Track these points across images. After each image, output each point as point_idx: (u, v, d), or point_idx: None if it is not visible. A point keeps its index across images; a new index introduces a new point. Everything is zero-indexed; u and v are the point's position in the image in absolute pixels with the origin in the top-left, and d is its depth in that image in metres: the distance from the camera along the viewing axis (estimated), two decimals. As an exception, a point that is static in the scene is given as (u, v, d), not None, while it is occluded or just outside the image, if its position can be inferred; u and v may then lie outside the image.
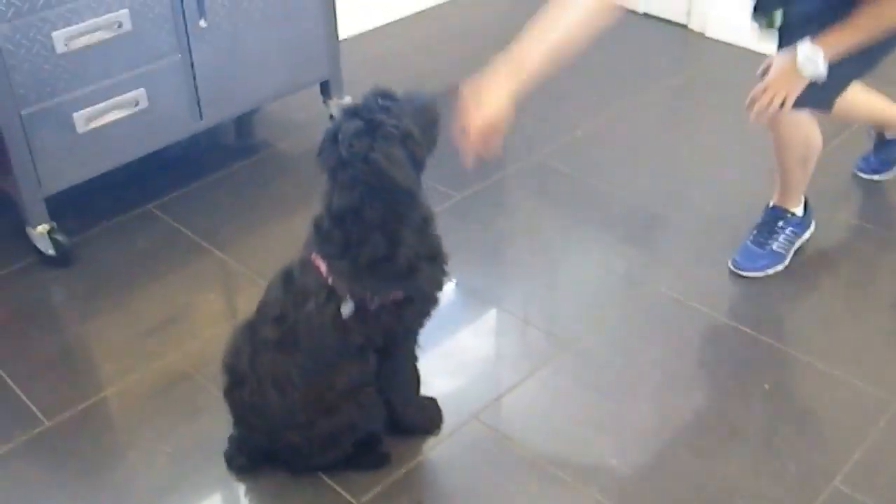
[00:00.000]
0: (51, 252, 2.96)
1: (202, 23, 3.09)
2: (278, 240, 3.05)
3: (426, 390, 2.39)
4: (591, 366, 2.60)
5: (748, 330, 2.67)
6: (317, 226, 2.06)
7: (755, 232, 2.90)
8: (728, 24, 4.13)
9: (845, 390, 2.48)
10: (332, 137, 1.96)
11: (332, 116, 3.67)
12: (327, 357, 2.09)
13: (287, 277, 2.12)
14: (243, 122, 3.80)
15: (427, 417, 2.38)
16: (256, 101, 3.55)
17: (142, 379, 2.58)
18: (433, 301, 2.18)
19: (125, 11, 2.88)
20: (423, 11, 4.76)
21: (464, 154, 2.06)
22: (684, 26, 4.40)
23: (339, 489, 2.23)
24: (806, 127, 2.66)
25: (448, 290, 2.75)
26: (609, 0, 2.13)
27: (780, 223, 2.87)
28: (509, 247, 3.11)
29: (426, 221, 2.09)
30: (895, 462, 2.27)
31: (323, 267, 2.04)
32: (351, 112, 1.97)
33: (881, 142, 3.21)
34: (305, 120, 3.80)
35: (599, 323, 2.75)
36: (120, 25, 2.89)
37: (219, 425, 2.27)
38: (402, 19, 4.70)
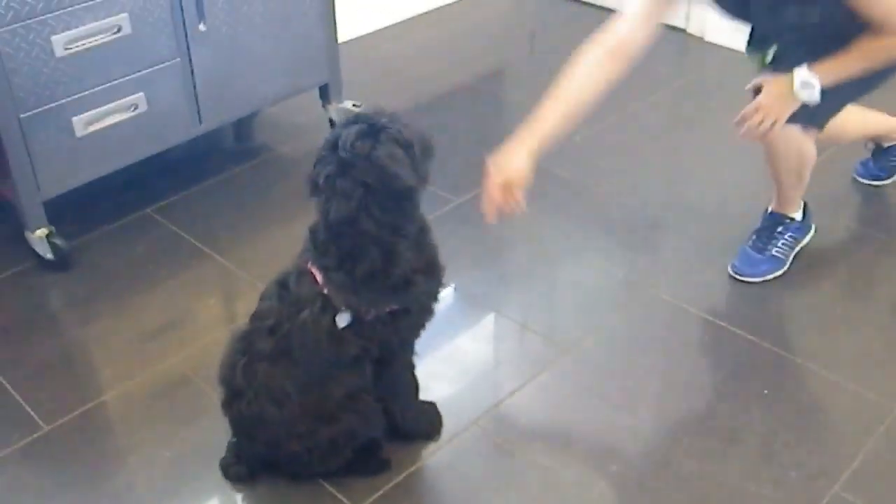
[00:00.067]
0: (49, 256, 2.96)
1: (202, 26, 3.09)
2: (278, 244, 3.05)
3: (426, 395, 2.39)
4: (591, 371, 2.60)
5: (748, 335, 2.67)
6: (313, 236, 2.05)
7: (754, 237, 2.90)
8: (726, 28, 4.13)
9: (845, 396, 2.48)
10: (332, 145, 1.95)
11: (331, 120, 3.67)
12: (322, 367, 2.08)
13: (282, 286, 2.11)
14: (243, 126, 3.80)
15: (427, 423, 2.38)
16: (256, 104, 3.55)
17: (141, 383, 2.58)
18: (429, 313, 2.18)
19: (125, 15, 2.88)
20: (423, 14, 4.76)
21: (488, 210, 2.26)
22: (683, 30, 4.41)
23: (338, 495, 2.22)
24: (798, 140, 2.65)
25: (447, 295, 2.76)
26: (615, 50, 2.42)
27: (780, 228, 2.87)
28: (509, 251, 3.11)
29: (422, 232, 2.08)
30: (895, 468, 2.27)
31: (319, 276, 2.04)
32: (351, 119, 1.97)
33: (879, 150, 3.22)
34: (305, 123, 3.80)
35: (599, 328, 2.74)
36: (119, 29, 2.88)
37: (219, 430, 2.26)
38: (401, 22, 4.69)
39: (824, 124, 2.65)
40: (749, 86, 2.57)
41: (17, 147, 2.79)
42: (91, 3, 2.80)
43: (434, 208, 2.05)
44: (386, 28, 4.64)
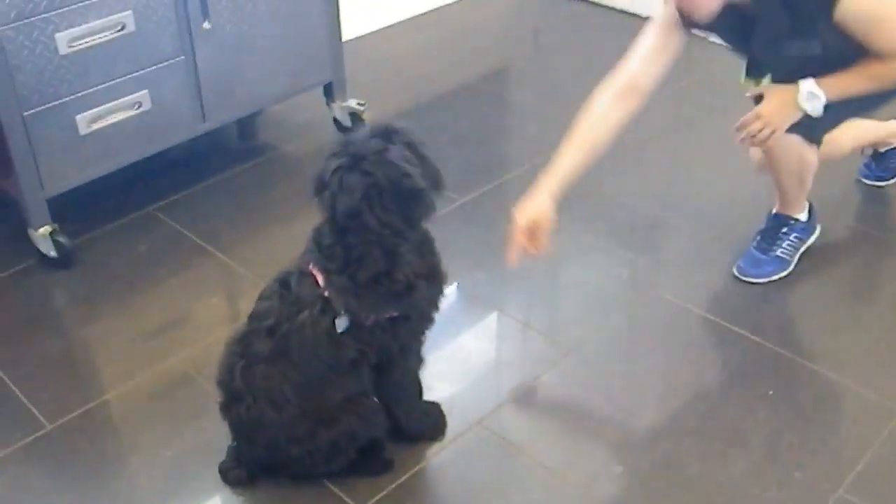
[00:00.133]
0: (52, 254, 2.95)
1: (206, 24, 3.09)
2: (281, 243, 3.04)
3: (429, 395, 2.39)
4: (594, 372, 2.59)
5: (752, 336, 2.66)
6: (317, 237, 2.05)
7: (759, 238, 2.89)
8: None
9: (850, 397, 2.48)
10: (344, 143, 1.96)
11: (335, 119, 3.67)
12: (319, 370, 2.07)
13: (283, 286, 2.10)
14: (246, 125, 3.80)
15: (431, 424, 2.37)
16: (260, 102, 3.55)
17: (143, 382, 2.57)
18: (429, 321, 2.18)
19: (129, 13, 2.88)
20: (426, 13, 4.76)
21: (511, 255, 2.43)
22: (687, 30, 4.40)
23: (342, 495, 2.22)
24: (798, 148, 2.64)
25: (450, 294, 2.75)
26: (626, 90, 2.55)
27: (784, 229, 2.87)
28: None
29: (426, 240, 2.09)
30: (900, 470, 2.27)
31: (320, 278, 2.03)
32: (365, 125, 1.99)
33: (878, 154, 3.21)
34: (309, 122, 3.80)
35: (602, 328, 2.74)
36: (123, 27, 2.88)
37: (221, 429, 2.25)
38: (405, 21, 4.69)
39: (821, 139, 2.65)
40: (750, 93, 2.56)
41: (20, 144, 2.79)
42: (95, 0, 2.79)
43: (437, 207, 2.05)
44: (389, 27, 4.64)
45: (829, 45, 2.39)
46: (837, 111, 2.50)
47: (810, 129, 2.56)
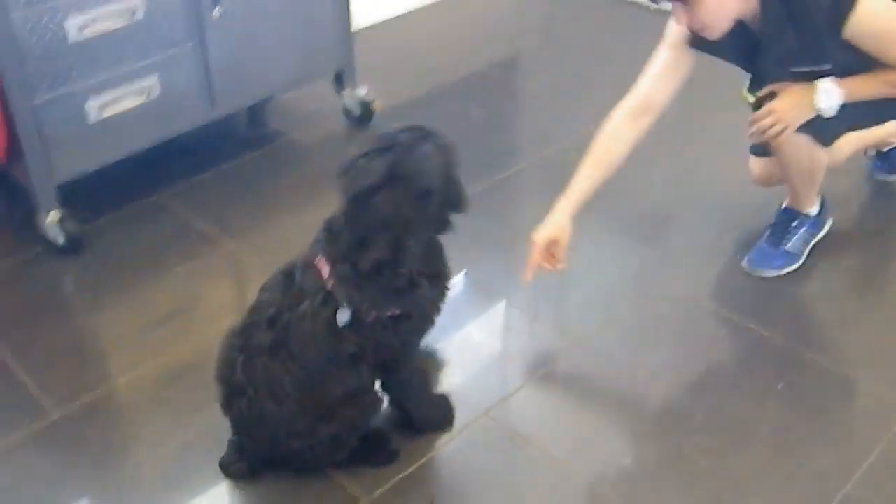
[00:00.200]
0: (61, 241, 2.95)
1: (216, 11, 3.07)
2: (289, 231, 3.04)
3: (437, 386, 2.38)
4: (602, 364, 2.58)
5: (761, 330, 2.65)
6: (328, 226, 2.06)
7: (769, 232, 2.88)
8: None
9: (859, 392, 2.47)
10: (379, 134, 2.03)
11: (345, 108, 3.66)
12: (319, 363, 2.06)
13: (287, 277, 2.10)
14: (256, 112, 3.79)
15: (439, 415, 2.37)
16: (270, 90, 3.54)
17: (151, 370, 2.57)
18: (430, 322, 2.19)
19: (139, 0, 2.87)
20: (438, 2, 4.74)
21: (528, 272, 2.56)
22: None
23: (350, 484, 2.22)
24: (808, 147, 2.63)
25: (459, 285, 2.75)
26: (640, 110, 2.64)
27: (795, 223, 2.86)
28: (520, 242, 3.09)
29: (434, 245, 2.12)
30: (909, 466, 2.26)
31: (325, 271, 2.03)
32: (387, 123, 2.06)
33: (881, 154, 3.20)
34: (318, 110, 3.79)
35: (611, 321, 2.73)
36: (133, 13, 2.87)
37: (227, 419, 2.25)
38: (416, 10, 4.68)
39: (831, 142, 2.65)
40: (763, 91, 2.54)
41: (30, 131, 2.79)
42: (105, -13, 2.79)
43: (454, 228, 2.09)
44: (401, 15, 4.62)
45: (839, 62, 2.40)
46: (852, 116, 2.50)
47: (821, 130, 2.55)
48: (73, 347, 2.69)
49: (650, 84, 2.65)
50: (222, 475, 2.25)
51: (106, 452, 2.35)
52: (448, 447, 2.33)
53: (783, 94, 2.46)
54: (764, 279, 2.83)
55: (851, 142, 2.87)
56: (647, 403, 2.47)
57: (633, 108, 2.65)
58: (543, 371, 2.56)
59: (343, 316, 2.02)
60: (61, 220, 2.94)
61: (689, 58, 2.62)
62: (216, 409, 2.27)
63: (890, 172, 3.22)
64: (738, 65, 2.66)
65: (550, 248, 2.57)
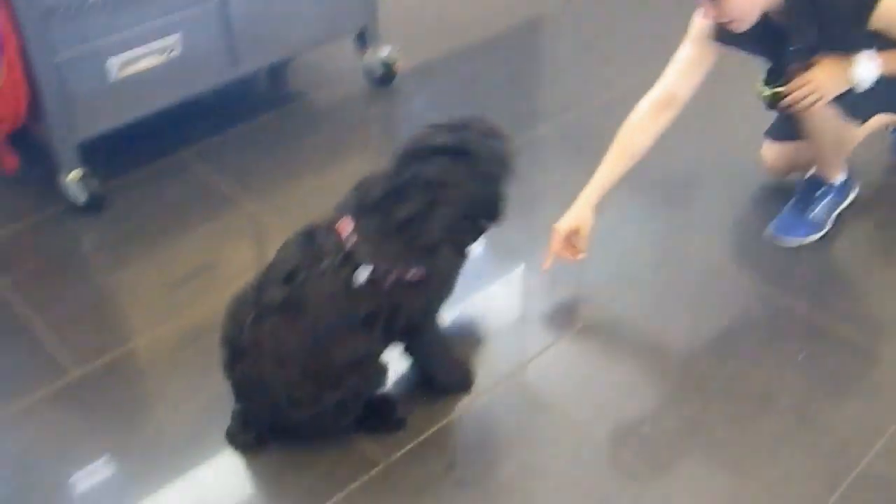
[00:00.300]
0: (82, 199, 2.95)
1: (239, -32, 3.05)
2: (310, 191, 3.03)
3: (457, 350, 2.38)
4: (623, 329, 2.58)
5: (784, 298, 2.63)
6: (360, 184, 2.09)
7: (794, 200, 2.86)
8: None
9: (882, 363, 2.45)
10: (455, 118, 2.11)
11: (366, 68, 3.63)
12: (331, 323, 2.04)
13: (307, 238, 2.10)
14: (276, 73, 3.77)
15: (459, 377, 2.37)
16: (292, 48, 3.51)
17: (171, 330, 2.58)
18: (448, 288, 2.20)
19: (161, -44, 2.86)
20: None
21: (547, 260, 2.62)
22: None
23: (368, 448, 2.22)
24: (836, 121, 2.60)
25: (480, 248, 2.74)
26: (663, 103, 2.68)
27: (820, 192, 2.83)
28: (541, 206, 3.07)
29: (464, 226, 2.14)
30: (931, 438, 2.24)
31: (346, 231, 2.03)
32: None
33: None
34: (339, 71, 3.76)
35: (632, 286, 2.72)
36: (156, -30, 2.86)
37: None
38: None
39: (864, 120, 2.66)
40: (795, 65, 2.51)
41: (52, 89, 2.78)
42: (128, -57, 2.77)
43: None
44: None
45: (864, 47, 2.38)
46: (887, 98, 2.51)
47: (856, 108, 2.54)
48: (93, 306, 2.70)
49: (674, 78, 2.70)
50: (239, 438, 2.26)
51: (127, 412, 2.36)
52: (468, 411, 2.33)
53: (819, 66, 2.43)
54: (788, 247, 2.81)
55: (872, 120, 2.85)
56: (667, 369, 2.46)
57: (658, 100, 2.69)
58: (564, 335, 2.55)
59: (362, 274, 2.01)
60: (83, 179, 2.94)
61: (712, 52, 2.66)
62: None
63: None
64: (762, 56, 2.64)
65: (571, 238, 2.61)
